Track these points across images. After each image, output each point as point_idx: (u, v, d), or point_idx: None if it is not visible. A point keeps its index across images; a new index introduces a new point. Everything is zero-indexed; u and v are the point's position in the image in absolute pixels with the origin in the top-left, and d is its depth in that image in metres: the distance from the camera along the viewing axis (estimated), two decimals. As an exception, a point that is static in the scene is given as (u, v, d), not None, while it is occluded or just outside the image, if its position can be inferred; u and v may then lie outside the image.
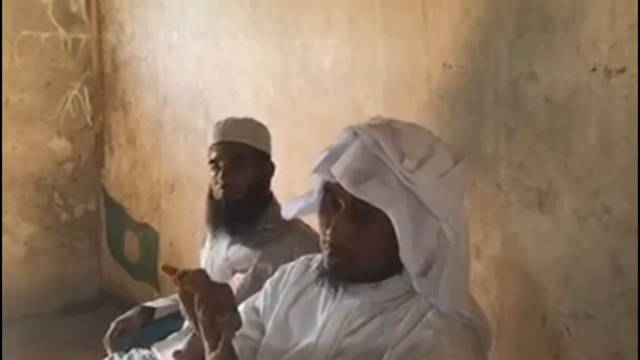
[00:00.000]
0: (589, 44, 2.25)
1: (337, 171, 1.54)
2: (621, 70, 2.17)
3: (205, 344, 1.53)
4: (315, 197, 1.66)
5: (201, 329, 1.52)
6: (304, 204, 1.71)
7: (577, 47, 2.28)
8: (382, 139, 1.54)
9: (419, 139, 1.59)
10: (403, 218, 1.51)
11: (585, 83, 2.27)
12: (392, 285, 1.60)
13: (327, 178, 1.59)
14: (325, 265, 1.61)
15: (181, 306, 1.59)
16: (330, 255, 1.59)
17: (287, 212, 1.76)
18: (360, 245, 1.55)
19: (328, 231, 1.58)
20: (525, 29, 2.43)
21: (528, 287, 2.52)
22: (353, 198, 1.53)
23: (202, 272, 1.59)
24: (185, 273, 1.57)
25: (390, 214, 1.50)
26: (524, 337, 2.56)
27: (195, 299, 1.52)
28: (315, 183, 1.66)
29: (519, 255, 2.53)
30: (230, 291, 1.58)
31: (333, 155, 1.59)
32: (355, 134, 1.59)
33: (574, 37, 2.29)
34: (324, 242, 1.60)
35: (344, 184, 1.52)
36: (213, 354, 1.50)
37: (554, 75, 2.35)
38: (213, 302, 1.52)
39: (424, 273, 1.55)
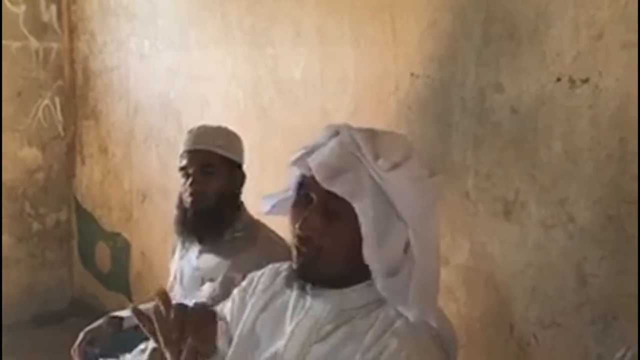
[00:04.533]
0: (554, 54, 2.28)
1: (313, 163, 1.57)
2: (585, 80, 2.20)
3: (167, 355, 1.53)
4: (290, 194, 1.69)
5: (161, 340, 1.52)
6: (279, 200, 1.73)
7: (542, 58, 2.31)
8: (361, 139, 1.57)
9: (397, 144, 1.62)
10: (369, 213, 1.53)
11: (550, 93, 2.30)
12: (361, 292, 1.61)
13: (303, 171, 1.61)
14: (294, 264, 1.63)
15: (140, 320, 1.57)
16: (299, 250, 1.60)
17: (263, 207, 1.78)
18: (327, 240, 1.57)
19: (297, 224, 1.59)
20: (491, 40, 2.46)
21: (495, 295, 2.54)
22: (325, 193, 1.55)
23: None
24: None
25: (356, 206, 1.53)
26: (492, 345, 2.57)
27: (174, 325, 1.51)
28: (291, 179, 1.68)
29: (486, 264, 2.55)
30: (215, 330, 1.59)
31: (311, 151, 1.62)
32: (336, 133, 1.62)
33: (539, 48, 2.32)
34: (293, 236, 1.62)
35: (317, 176, 1.55)
36: None
37: (520, 86, 2.38)
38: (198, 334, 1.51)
39: (389, 275, 1.56)
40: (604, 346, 2.22)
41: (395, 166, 1.55)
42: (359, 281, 1.61)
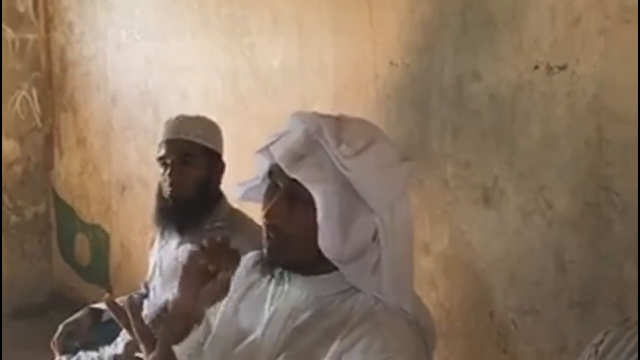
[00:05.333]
0: (531, 41, 2.28)
1: (276, 151, 1.57)
2: (562, 67, 2.21)
3: (142, 347, 1.53)
4: (258, 182, 1.69)
5: (136, 333, 1.52)
6: (249, 187, 1.73)
7: (519, 45, 2.32)
8: (325, 126, 1.56)
9: (361, 130, 1.60)
10: (328, 200, 1.51)
11: (528, 80, 2.30)
12: (338, 279, 1.60)
13: (269, 159, 1.62)
14: (264, 251, 1.64)
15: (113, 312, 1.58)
16: (267, 237, 1.60)
17: (235, 192, 1.79)
18: (294, 227, 1.56)
19: (263, 213, 1.60)
20: (468, 28, 2.46)
21: (475, 283, 2.55)
22: (291, 180, 1.55)
23: None
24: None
25: (315, 193, 1.52)
26: (473, 332, 2.59)
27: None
28: (261, 167, 1.68)
29: (466, 251, 2.56)
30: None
31: (277, 140, 1.62)
32: (302, 121, 1.61)
33: (517, 35, 2.32)
34: (262, 225, 1.63)
35: (280, 164, 1.55)
36: (151, 356, 1.50)
37: (498, 73, 2.39)
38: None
39: (351, 261, 1.56)
40: (582, 332, 2.23)
41: (357, 152, 1.53)
42: (336, 267, 1.61)
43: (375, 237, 1.57)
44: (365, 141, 1.56)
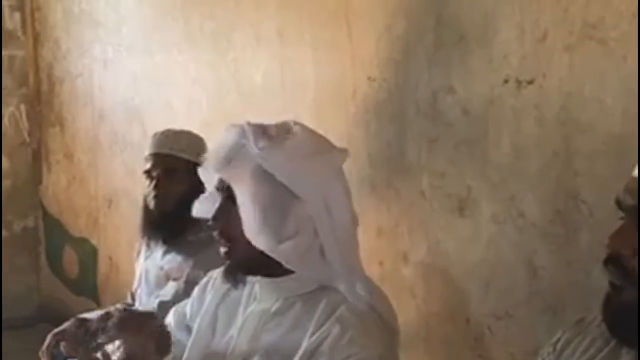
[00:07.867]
0: (501, 57, 2.36)
1: (210, 161, 1.67)
2: (530, 82, 2.29)
3: None
4: (207, 195, 1.76)
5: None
6: (202, 201, 1.80)
7: (490, 61, 2.39)
8: (249, 128, 1.64)
9: (280, 126, 1.69)
10: (248, 195, 1.59)
11: (499, 94, 2.38)
12: (303, 279, 1.67)
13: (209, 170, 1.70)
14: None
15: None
16: (220, 244, 1.69)
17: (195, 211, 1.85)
18: (236, 228, 1.63)
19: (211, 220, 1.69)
20: (442, 44, 2.53)
21: (452, 290, 2.62)
22: (226, 184, 1.64)
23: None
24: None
25: (236, 190, 1.61)
26: (450, 338, 2.64)
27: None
28: (211, 181, 1.75)
29: (442, 260, 2.63)
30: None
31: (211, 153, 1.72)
32: (232, 129, 1.68)
33: (487, 51, 2.40)
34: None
35: (210, 168, 1.66)
36: None
37: (470, 88, 2.46)
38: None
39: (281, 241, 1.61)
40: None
41: (274, 144, 1.61)
42: None
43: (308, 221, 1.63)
44: (282, 134, 1.65)
